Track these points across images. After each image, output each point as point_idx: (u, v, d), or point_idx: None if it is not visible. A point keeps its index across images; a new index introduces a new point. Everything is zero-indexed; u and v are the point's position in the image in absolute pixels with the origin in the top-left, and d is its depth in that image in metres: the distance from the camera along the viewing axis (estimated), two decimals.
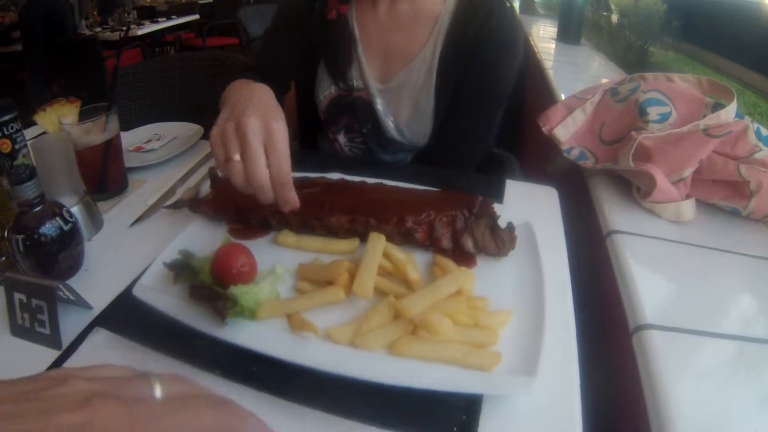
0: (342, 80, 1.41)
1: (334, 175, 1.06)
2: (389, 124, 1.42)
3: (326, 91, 1.45)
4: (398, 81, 1.38)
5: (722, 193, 1.10)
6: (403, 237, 0.89)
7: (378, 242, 0.83)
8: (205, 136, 1.42)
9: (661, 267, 0.97)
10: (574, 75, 2.54)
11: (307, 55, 1.45)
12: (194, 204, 1.01)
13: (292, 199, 0.82)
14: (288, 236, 0.92)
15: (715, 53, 2.64)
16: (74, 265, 0.91)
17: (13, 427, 0.34)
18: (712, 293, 0.89)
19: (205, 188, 1.10)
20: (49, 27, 5.36)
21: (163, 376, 0.42)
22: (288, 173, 0.80)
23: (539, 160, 1.66)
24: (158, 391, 0.40)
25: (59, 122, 1.09)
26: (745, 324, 0.82)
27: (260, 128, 0.80)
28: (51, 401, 0.37)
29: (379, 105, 1.41)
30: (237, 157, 0.80)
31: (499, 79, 1.35)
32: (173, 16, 7.90)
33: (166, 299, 0.78)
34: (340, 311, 0.78)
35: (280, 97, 1.43)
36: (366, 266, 0.79)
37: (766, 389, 0.71)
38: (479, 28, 1.30)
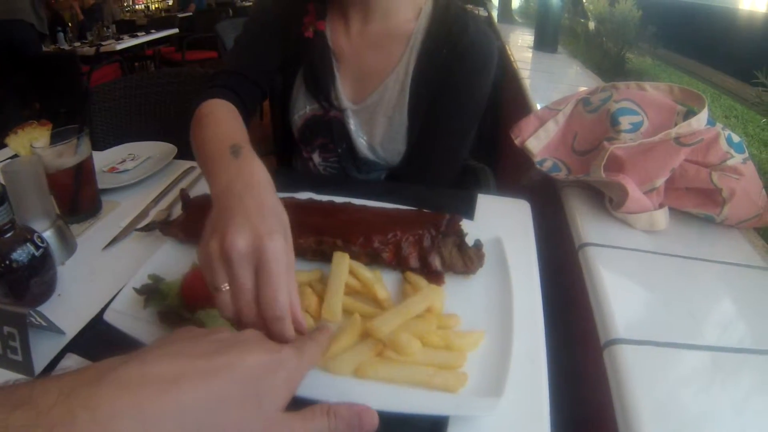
0: (326, 98, 1.40)
1: (304, 195, 1.07)
2: (363, 143, 1.42)
3: (301, 110, 1.44)
4: (372, 100, 1.37)
5: (695, 201, 1.10)
6: (370, 257, 0.89)
7: (342, 262, 0.84)
8: (179, 155, 1.42)
9: (634, 279, 0.96)
10: (550, 84, 2.53)
11: (283, 74, 1.45)
12: (165, 227, 1.01)
13: (288, 333, 0.62)
14: None
15: (691, 58, 2.66)
16: (47, 291, 0.91)
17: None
18: (686, 304, 0.89)
19: (177, 210, 1.10)
20: (11, 52, 5.29)
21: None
22: (284, 305, 0.62)
23: (515, 171, 1.66)
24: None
25: (30, 145, 1.09)
26: (720, 334, 0.82)
27: (248, 250, 0.64)
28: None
29: (353, 125, 1.40)
30: (225, 287, 0.64)
31: (474, 95, 1.36)
32: (152, 30, 7.84)
33: (136, 324, 0.78)
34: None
35: (259, 105, 1.42)
36: (332, 289, 0.80)
37: (739, 401, 0.70)
38: (453, 45, 1.30)
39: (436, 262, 0.88)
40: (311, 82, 1.41)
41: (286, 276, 0.64)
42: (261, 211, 0.70)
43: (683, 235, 1.08)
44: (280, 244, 0.65)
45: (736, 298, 0.92)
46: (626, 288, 0.93)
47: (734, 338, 0.82)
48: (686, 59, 2.72)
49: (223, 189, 0.77)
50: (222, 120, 1.06)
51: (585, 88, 1.41)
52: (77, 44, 6.89)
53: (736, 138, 1.09)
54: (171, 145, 1.46)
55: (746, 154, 1.08)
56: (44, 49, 6.40)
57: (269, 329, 0.61)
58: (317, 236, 0.90)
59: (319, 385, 0.67)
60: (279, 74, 1.45)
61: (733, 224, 1.09)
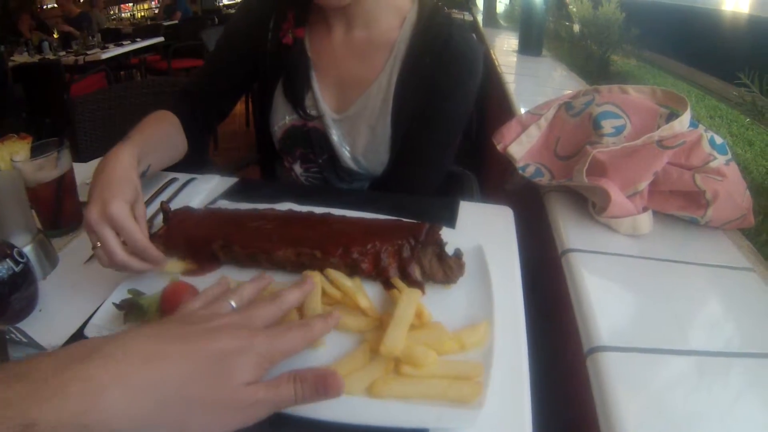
0: (300, 108, 1.39)
1: (284, 206, 1.07)
2: (345, 154, 1.41)
3: (281, 121, 1.43)
4: (354, 110, 1.36)
5: (679, 204, 1.11)
6: (350, 268, 0.89)
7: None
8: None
9: (618, 284, 0.97)
10: (535, 87, 2.56)
11: (262, 83, 1.44)
12: None
13: (158, 257, 0.90)
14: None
15: (675, 60, 2.69)
16: (27, 306, 0.90)
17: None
18: (671, 308, 0.89)
19: (158, 223, 1.10)
20: None
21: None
22: (141, 240, 0.88)
23: (499, 176, 1.67)
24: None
25: (10, 159, 1.08)
26: (705, 338, 0.82)
27: (100, 218, 0.86)
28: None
29: (335, 135, 1.39)
30: (98, 244, 0.87)
31: (458, 104, 1.36)
32: (138, 39, 7.80)
33: None
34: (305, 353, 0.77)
35: (218, 121, 1.44)
36: (310, 307, 0.79)
37: (726, 405, 0.70)
38: (438, 53, 1.29)
39: (415, 272, 0.88)
40: (288, 90, 1.40)
41: (132, 223, 0.88)
42: (110, 183, 0.92)
43: (667, 238, 1.09)
44: (119, 206, 0.87)
45: (721, 301, 0.93)
46: (610, 294, 0.93)
47: (720, 342, 0.83)
48: (670, 60, 2.75)
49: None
50: (147, 122, 1.25)
51: (569, 92, 1.41)
52: (62, 53, 6.85)
53: (719, 140, 1.10)
54: None
55: (729, 156, 1.09)
56: (30, 58, 6.40)
57: (145, 262, 0.89)
58: (296, 248, 0.90)
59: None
60: (257, 83, 1.46)
61: (717, 226, 1.10)
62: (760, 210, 1.18)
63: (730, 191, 1.05)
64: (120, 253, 0.86)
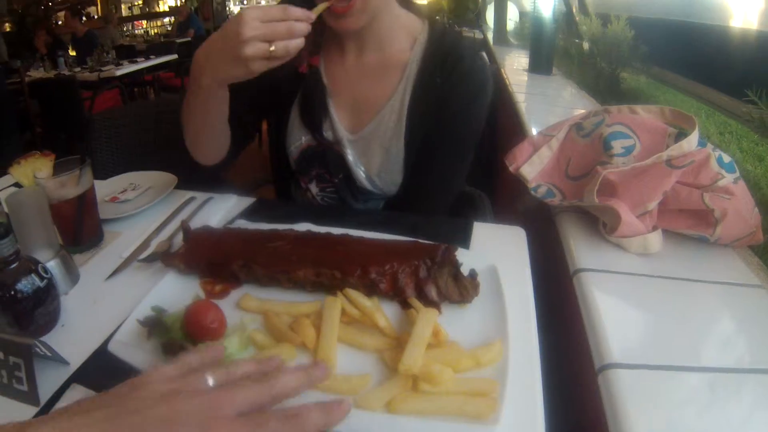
0: (317, 132, 1.41)
1: (302, 226, 1.09)
2: (360, 174, 1.42)
3: (297, 141, 1.45)
4: (368, 130, 1.38)
5: (688, 222, 1.12)
6: (368, 288, 0.91)
7: (334, 307, 0.86)
8: (179, 186, 1.44)
9: (629, 303, 0.98)
10: (546, 107, 2.57)
11: (278, 107, 1.46)
12: (167, 258, 1.03)
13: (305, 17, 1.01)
14: (250, 301, 0.93)
15: (684, 76, 2.69)
16: (51, 321, 0.92)
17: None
18: (682, 325, 0.90)
19: (178, 241, 1.12)
20: None
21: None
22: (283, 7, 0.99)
23: (511, 196, 1.68)
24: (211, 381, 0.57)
25: (34, 176, 1.11)
26: (717, 354, 0.83)
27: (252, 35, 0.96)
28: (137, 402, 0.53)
29: (350, 155, 1.41)
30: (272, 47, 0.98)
31: (469, 123, 1.38)
32: (152, 56, 7.88)
33: (141, 355, 0.80)
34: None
35: (243, 147, 1.44)
36: (326, 335, 0.81)
37: (739, 422, 0.71)
38: (448, 74, 1.32)
39: (432, 292, 0.90)
40: (305, 116, 1.43)
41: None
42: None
43: (677, 256, 1.10)
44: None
45: (732, 318, 0.94)
46: (621, 312, 0.94)
47: (731, 358, 0.83)
48: (680, 77, 2.74)
49: None
50: None
51: (580, 111, 1.42)
52: (77, 69, 6.93)
53: (727, 158, 1.11)
54: (171, 175, 1.48)
55: (737, 174, 1.10)
56: (45, 74, 6.47)
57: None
58: (316, 268, 0.92)
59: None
60: (273, 108, 1.47)
61: (726, 243, 1.11)
62: None
63: (739, 209, 1.06)
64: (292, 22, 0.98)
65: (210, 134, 1.29)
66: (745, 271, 1.06)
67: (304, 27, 1.01)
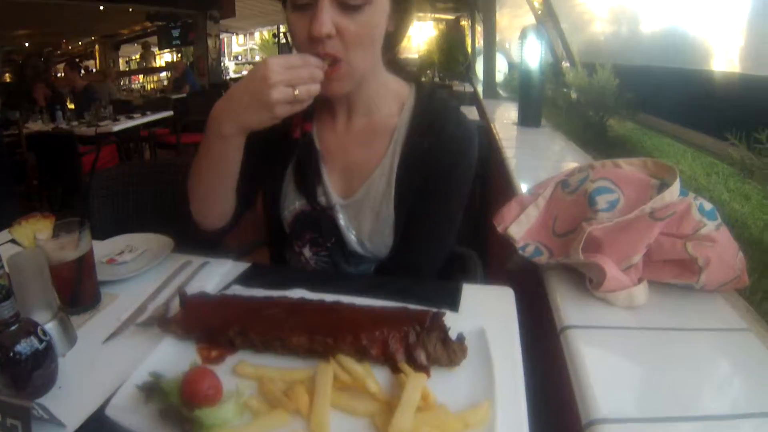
0: (311, 197, 1.43)
1: (296, 293, 1.12)
2: (352, 238, 1.44)
3: (291, 206, 1.47)
4: (359, 195, 1.40)
5: (673, 272, 1.14)
6: (360, 354, 0.93)
7: (326, 374, 0.88)
8: (176, 249, 1.46)
9: (617, 357, 1.00)
10: (535, 161, 2.62)
11: (272, 173, 1.48)
12: (163, 323, 1.05)
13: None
14: (246, 367, 0.95)
15: (669, 120, 2.73)
16: (48, 383, 0.93)
17: None
18: (671, 376, 0.91)
19: (174, 306, 1.14)
20: None
21: None
22: (302, 57, 1.12)
23: (502, 254, 1.71)
24: None
25: (34, 237, 1.13)
26: (707, 402, 0.85)
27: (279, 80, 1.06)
28: None
29: (342, 220, 1.43)
30: (296, 92, 1.07)
31: (457, 184, 1.40)
32: (148, 112, 7.94)
33: (138, 420, 0.82)
34: None
35: (242, 215, 1.46)
36: (319, 401, 0.84)
37: None
38: (435, 137, 1.35)
39: (421, 357, 0.92)
40: (299, 181, 1.46)
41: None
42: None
43: (664, 306, 1.12)
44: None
45: (720, 364, 0.96)
46: (608, 367, 0.96)
47: (722, 405, 0.86)
48: (665, 121, 2.79)
49: None
50: None
51: (569, 163, 1.46)
52: (75, 123, 6.95)
53: (707, 206, 1.14)
54: (167, 238, 1.49)
55: (719, 221, 1.13)
56: (43, 126, 6.52)
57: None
58: (309, 335, 0.95)
59: None
60: (269, 174, 1.49)
61: (712, 289, 1.13)
62: (755, 267, 1.21)
63: (722, 255, 1.09)
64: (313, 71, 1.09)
65: (221, 193, 1.33)
66: (731, 316, 1.08)
67: (321, 74, 1.10)
